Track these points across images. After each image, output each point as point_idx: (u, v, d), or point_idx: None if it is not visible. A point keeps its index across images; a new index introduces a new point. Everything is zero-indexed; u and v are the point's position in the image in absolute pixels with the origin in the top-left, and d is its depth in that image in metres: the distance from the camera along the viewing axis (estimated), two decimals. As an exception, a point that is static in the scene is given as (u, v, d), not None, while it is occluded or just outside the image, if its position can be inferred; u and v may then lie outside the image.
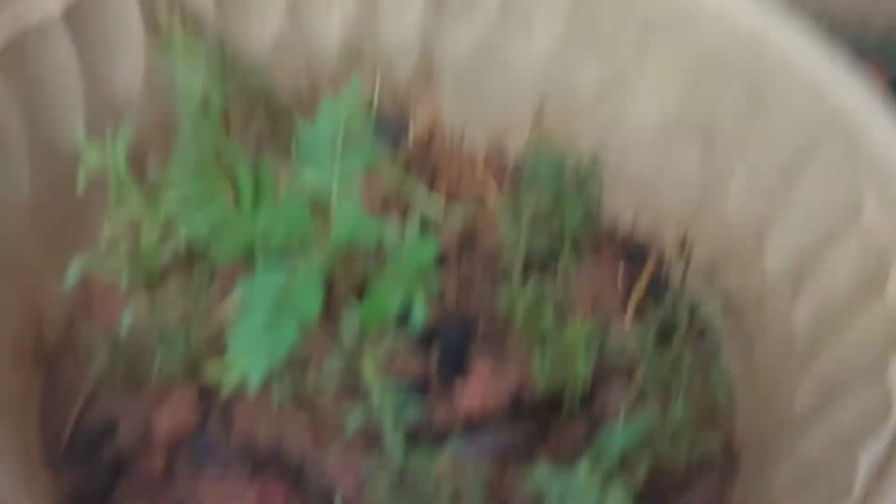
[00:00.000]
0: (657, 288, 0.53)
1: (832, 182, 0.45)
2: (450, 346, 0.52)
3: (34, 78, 0.45)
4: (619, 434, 0.21)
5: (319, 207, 0.37)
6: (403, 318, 0.52)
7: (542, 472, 0.25)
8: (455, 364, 0.51)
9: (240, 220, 0.35)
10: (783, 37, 0.49)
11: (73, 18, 0.46)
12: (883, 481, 0.30)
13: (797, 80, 0.47)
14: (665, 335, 0.48)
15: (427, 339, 0.52)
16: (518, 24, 0.58)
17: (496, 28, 0.59)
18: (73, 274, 0.37)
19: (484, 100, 0.63)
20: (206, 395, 0.47)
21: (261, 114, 0.57)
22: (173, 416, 0.45)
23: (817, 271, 0.45)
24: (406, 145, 0.60)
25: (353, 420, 0.33)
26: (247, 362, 0.32)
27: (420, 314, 0.34)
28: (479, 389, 0.51)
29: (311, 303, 0.32)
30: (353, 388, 0.49)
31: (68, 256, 0.50)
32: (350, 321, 0.36)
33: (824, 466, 0.36)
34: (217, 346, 0.47)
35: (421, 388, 0.50)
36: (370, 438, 0.47)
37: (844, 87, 0.46)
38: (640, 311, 0.52)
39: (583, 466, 0.22)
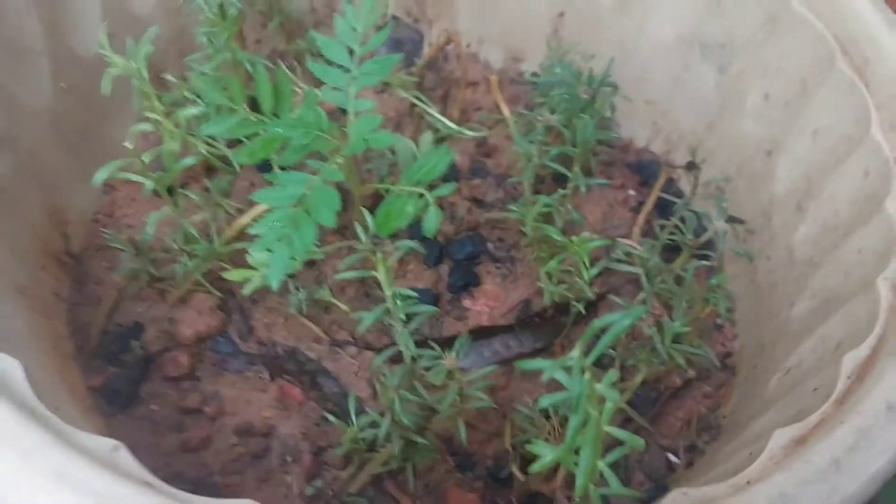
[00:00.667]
0: (667, 204, 0.53)
1: (842, 102, 0.45)
2: (460, 261, 0.54)
3: (53, -15, 0.45)
4: (611, 321, 0.23)
5: (336, 117, 0.37)
6: (416, 231, 0.53)
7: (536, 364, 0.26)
8: (465, 278, 0.52)
9: (259, 126, 0.36)
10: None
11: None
12: (863, 381, 0.32)
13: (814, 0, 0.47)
14: (672, 250, 0.49)
15: (438, 253, 0.54)
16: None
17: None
18: (99, 178, 0.38)
19: (500, 15, 0.62)
20: (227, 298, 0.49)
21: (275, 25, 0.57)
22: (197, 318, 0.47)
23: (823, 189, 0.46)
24: (421, 60, 0.60)
25: (367, 319, 0.35)
26: (268, 261, 0.33)
27: (433, 221, 0.35)
28: (488, 302, 0.52)
29: (330, 206, 0.34)
30: (366, 295, 0.52)
31: (90, 161, 0.51)
32: (365, 227, 0.37)
33: (812, 369, 0.37)
34: (237, 251, 0.48)
35: (432, 300, 0.52)
36: (383, 344, 0.49)
37: (860, 8, 0.45)
38: (648, 226, 0.54)
39: (576, 351, 0.23)
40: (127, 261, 0.46)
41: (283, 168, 0.38)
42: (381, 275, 0.34)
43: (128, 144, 0.37)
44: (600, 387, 0.26)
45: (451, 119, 0.54)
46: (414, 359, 0.36)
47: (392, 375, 0.36)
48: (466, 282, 0.52)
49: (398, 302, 0.35)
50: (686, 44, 0.55)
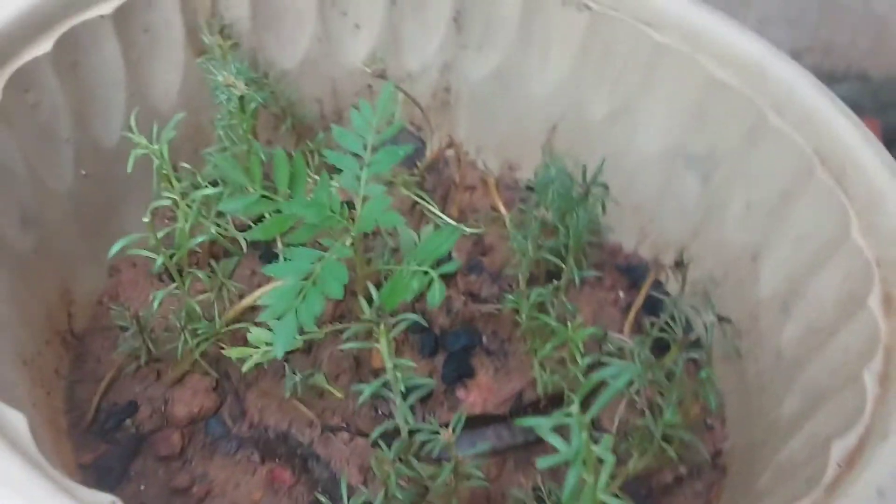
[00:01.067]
0: (655, 303, 0.55)
1: (823, 209, 0.48)
2: (455, 353, 0.55)
3: (84, 74, 0.49)
4: (607, 375, 0.24)
5: (347, 201, 0.40)
6: (415, 325, 0.55)
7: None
8: (459, 369, 0.53)
9: (275, 206, 0.38)
10: (786, 70, 0.52)
11: (121, 20, 0.50)
12: (852, 468, 0.32)
13: (796, 111, 0.50)
14: (661, 347, 0.50)
15: (433, 344, 0.55)
16: (534, 52, 0.62)
17: (513, 55, 0.63)
18: (114, 250, 0.40)
19: (498, 122, 0.66)
20: (223, 381, 0.50)
21: (287, 128, 0.61)
22: (192, 398, 0.48)
23: (807, 291, 0.48)
24: (423, 162, 0.63)
25: (366, 391, 0.36)
26: (275, 331, 0.34)
27: (437, 294, 0.37)
28: (481, 394, 0.53)
29: (339, 278, 0.35)
30: (361, 382, 0.52)
31: (101, 245, 0.53)
32: (369, 303, 0.38)
33: (802, 464, 0.38)
34: (237, 332, 0.49)
35: (427, 391, 0.53)
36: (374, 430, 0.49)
37: (838, 120, 0.49)
38: (637, 325, 0.55)
39: (574, 406, 0.24)
40: (128, 338, 0.46)
41: (297, 241, 0.40)
42: (382, 346, 0.36)
43: (145, 219, 0.39)
44: (597, 449, 0.27)
45: (450, 217, 0.57)
46: (411, 433, 0.37)
47: (388, 450, 0.37)
48: (461, 373, 0.53)
49: (398, 374, 0.35)
50: (672, 155, 0.59)
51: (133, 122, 0.40)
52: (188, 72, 0.55)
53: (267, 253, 0.55)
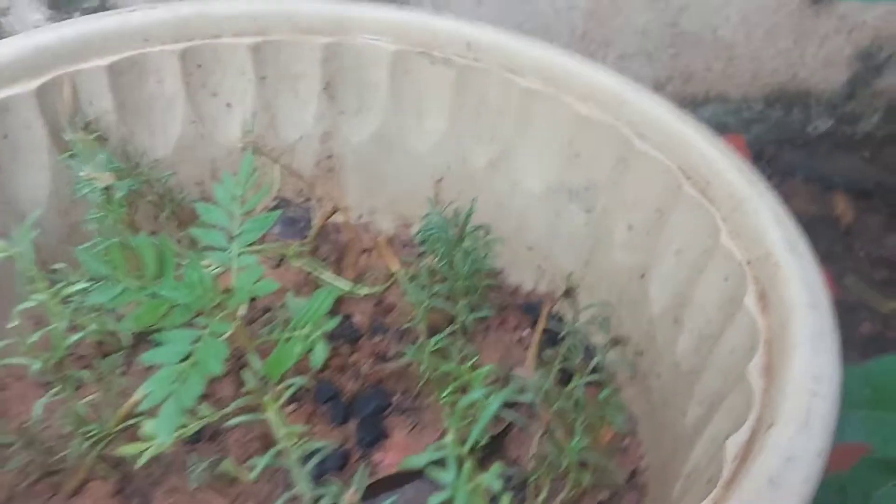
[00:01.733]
0: (555, 335, 0.56)
1: (694, 220, 0.50)
2: (367, 417, 0.54)
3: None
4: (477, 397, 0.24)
5: (220, 275, 0.39)
6: (320, 392, 0.54)
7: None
8: (373, 432, 0.52)
9: (144, 292, 0.37)
10: (643, 99, 0.55)
11: (-21, 132, 0.49)
12: (745, 461, 0.33)
13: (658, 134, 0.53)
14: (566, 377, 0.51)
15: (343, 412, 0.54)
16: (410, 111, 0.64)
17: (390, 117, 0.64)
18: (-20, 361, 0.38)
19: (386, 182, 0.67)
20: (125, 484, 0.47)
21: (168, 214, 0.60)
22: (92, 507, 0.45)
23: (693, 301, 0.49)
24: (312, 232, 0.63)
25: (260, 464, 0.35)
26: (157, 419, 0.33)
27: (320, 354, 0.36)
28: (398, 453, 0.52)
29: (217, 356, 0.34)
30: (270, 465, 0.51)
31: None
32: (253, 373, 0.37)
33: (704, 466, 0.39)
34: (132, 429, 0.47)
35: (342, 458, 0.52)
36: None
37: (695, 137, 0.52)
38: (541, 359, 0.56)
39: (448, 435, 0.24)
40: (16, 453, 0.44)
41: (171, 324, 0.39)
42: (271, 414, 0.35)
43: (10, 324, 0.38)
44: (486, 476, 0.27)
45: (346, 281, 0.57)
46: (316, 500, 0.36)
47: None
48: (375, 436, 0.52)
49: (289, 443, 0.35)
50: (554, 192, 0.61)
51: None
52: (56, 173, 0.54)
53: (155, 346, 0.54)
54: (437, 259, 0.48)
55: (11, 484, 0.46)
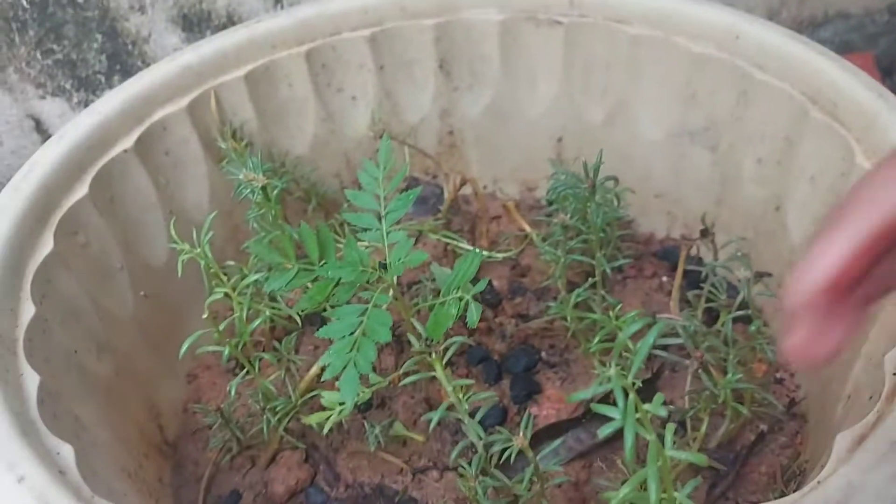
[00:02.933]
0: (696, 276, 0.57)
1: (826, 145, 0.49)
2: (518, 374, 0.57)
3: (121, 206, 0.53)
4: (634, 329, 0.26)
5: (376, 252, 0.43)
6: (472, 357, 0.57)
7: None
8: (526, 387, 0.55)
9: (312, 275, 0.41)
10: (758, 29, 0.54)
11: (143, 150, 0.54)
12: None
13: (777, 63, 0.52)
14: (712, 317, 0.52)
15: (496, 371, 0.57)
16: (522, 77, 0.65)
17: (502, 87, 0.66)
18: (185, 348, 0.43)
19: (506, 150, 0.69)
20: (311, 451, 0.52)
21: (314, 206, 0.64)
22: (287, 474, 0.50)
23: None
24: (444, 206, 0.66)
25: (434, 418, 0.38)
26: (340, 385, 0.37)
27: (475, 314, 0.39)
28: (553, 405, 0.55)
29: (384, 324, 0.38)
30: (438, 423, 0.54)
31: (172, 358, 0.57)
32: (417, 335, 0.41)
33: (864, 384, 0.39)
34: (313, 401, 0.52)
35: (500, 414, 0.55)
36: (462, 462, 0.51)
37: (817, 60, 0.51)
38: (685, 302, 0.56)
39: (610, 369, 0.26)
40: (216, 433, 0.50)
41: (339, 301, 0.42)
42: (438, 372, 0.38)
43: (204, 315, 0.43)
44: (650, 406, 0.29)
45: (481, 248, 0.60)
46: (486, 447, 0.39)
47: (469, 467, 0.39)
48: (529, 391, 0.55)
49: (460, 396, 0.38)
50: (676, 136, 0.61)
51: (174, 231, 0.43)
52: (213, 180, 0.59)
53: (323, 324, 0.58)
54: (568, 215, 0.50)
55: (215, 460, 0.52)
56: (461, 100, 0.67)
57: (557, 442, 0.46)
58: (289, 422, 0.50)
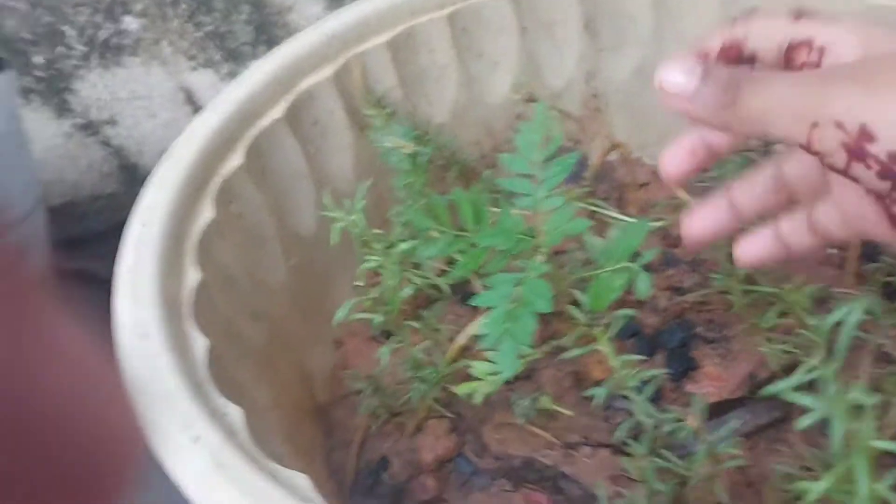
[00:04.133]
0: (872, 252, 0.52)
1: None
2: (673, 349, 0.54)
3: (273, 176, 0.54)
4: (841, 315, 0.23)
5: (530, 219, 0.41)
6: (624, 332, 0.55)
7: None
8: (683, 363, 0.52)
9: (466, 242, 0.40)
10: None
11: (293, 120, 0.55)
12: None
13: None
14: (891, 293, 0.47)
15: (650, 346, 0.54)
16: (672, 42, 0.62)
17: (652, 50, 0.62)
18: (339, 316, 0.43)
19: (654, 115, 0.66)
20: (458, 421, 0.52)
21: (455, 174, 0.63)
22: (435, 442, 0.50)
23: None
24: (588, 172, 0.63)
25: (599, 394, 0.36)
26: (498, 356, 0.36)
27: (645, 284, 0.37)
28: (712, 382, 0.52)
29: (543, 295, 0.36)
30: (585, 399, 0.53)
31: (320, 325, 0.58)
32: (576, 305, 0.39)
33: None
34: (459, 371, 0.52)
35: (655, 391, 0.52)
36: (615, 440, 0.50)
37: None
38: (860, 276, 0.52)
39: (817, 355, 0.24)
40: (367, 399, 0.50)
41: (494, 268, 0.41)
42: (603, 345, 0.36)
43: (359, 283, 0.43)
44: (853, 394, 0.26)
45: (629, 217, 0.57)
46: (655, 426, 0.37)
47: (638, 445, 0.37)
48: (684, 368, 0.52)
49: (627, 371, 0.36)
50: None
51: (328, 200, 0.43)
52: (357, 149, 0.60)
53: (465, 295, 0.58)
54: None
55: (365, 426, 0.53)
56: (607, 62, 0.64)
57: (729, 423, 0.44)
58: (436, 390, 0.49)
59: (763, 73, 0.31)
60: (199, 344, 0.39)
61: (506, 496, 0.48)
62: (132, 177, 0.80)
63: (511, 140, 0.69)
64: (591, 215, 0.61)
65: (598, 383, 0.53)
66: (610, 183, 0.65)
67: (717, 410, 0.49)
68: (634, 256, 0.41)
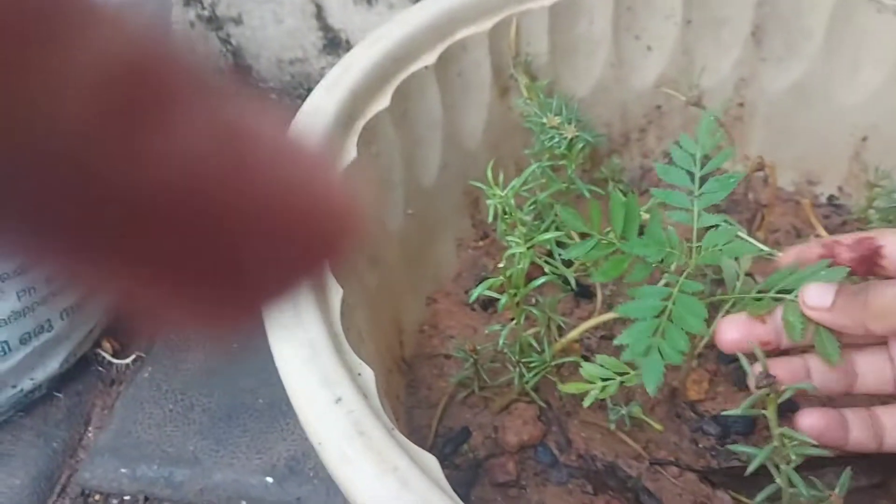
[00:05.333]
0: None
1: None
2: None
3: (411, 122, 0.53)
4: None
5: (681, 234, 0.40)
6: (726, 356, 0.53)
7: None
8: (786, 404, 0.51)
9: (612, 248, 0.39)
10: None
11: (441, 68, 0.53)
12: None
13: None
14: None
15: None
16: (843, 61, 0.58)
17: (818, 65, 0.59)
18: (476, 293, 0.42)
19: (797, 135, 0.63)
20: (545, 410, 0.51)
21: (585, 149, 0.61)
22: (521, 427, 0.50)
23: None
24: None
25: (757, 459, 0.35)
26: (644, 369, 0.35)
27: (833, 351, 0.36)
28: (818, 418, 0.50)
29: (696, 314, 0.35)
30: (677, 416, 0.52)
31: (420, 277, 0.57)
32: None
33: None
34: (563, 365, 0.51)
35: (749, 424, 0.51)
36: (702, 466, 0.49)
37: None
38: None
39: None
40: (465, 368, 0.49)
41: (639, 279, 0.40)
42: (770, 414, 0.35)
43: (501, 265, 0.42)
44: None
45: (756, 241, 0.55)
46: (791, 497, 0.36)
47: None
48: (787, 406, 0.51)
49: (785, 441, 0.35)
50: None
51: (489, 172, 0.42)
52: (492, 110, 0.58)
53: (582, 290, 0.56)
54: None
55: (451, 393, 0.52)
56: (766, 72, 0.61)
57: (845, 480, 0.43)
58: (538, 379, 0.49)
59: (886, 280, 0.38)
60: (335, 292, 0.38)
61: (584, 498, 0.48)
62: (243, 79, 0.78)
63: (643, 129, 0.66)
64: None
65: (692, 405, 0.52)
66: (738, 199, 0.63)
67: (816, 463, 0.47)
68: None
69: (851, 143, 0.61)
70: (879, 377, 0.41)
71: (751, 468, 0.35)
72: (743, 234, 0.54)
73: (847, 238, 0.41)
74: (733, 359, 0.53)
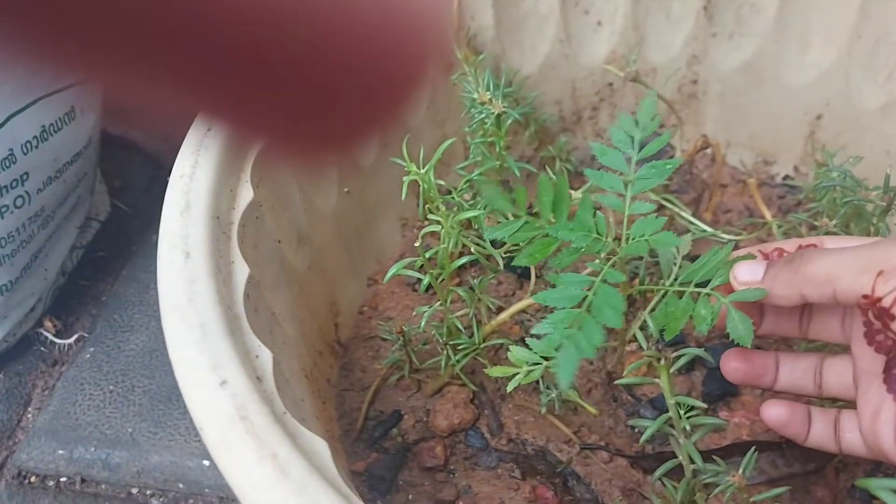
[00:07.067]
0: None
1: None
2: (715, 370, 0.51)
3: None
4: None
5: (610, 219, 0.38)
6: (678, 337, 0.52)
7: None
8: (722, 387, 0.50)
9: (539, 231, 0.37)
10: None
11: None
12: None
13: None
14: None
15: (692, 360, 0.52)
16: (794, 38, 0.57)
17: (770, 43, 0.58)
18: (391, 273, 0.41)
19: (750, 114, 0.62)
20: (479, 393, 0.50)
21: (530, 133, 0.60)
22: (452, 410, 0.49)
23: None
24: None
25: (648, 430, 0.34)
26: (558, 360, 0.33)
27: (742, 326, 0.35)
28: (748, 414, 0.50)
29: (615, 307, 0.34)
30: (613, 399, 0.51)
31: (358, 258, 0.56)
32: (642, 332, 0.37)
33: None
34: (492, 347, 0.50)
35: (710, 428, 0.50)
36: (634, 451, 0.48)
37: None
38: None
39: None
40: (394, 351, 0.48)
41: (561, 266, 0.39)
42: (663, 382, 0.34)
43: (417, 244, 0.40)
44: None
45: (702, 222, 0.54)
46: (695, 473, 0.35)
47: (676, 490, 0.35)
48: (724, 391, 0.50)
49: (681, 413, 0.34)
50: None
51: (405, 150, 0.40)
52: (435, 87, 0.56)
53: (525, 271, 0.55)
54: (833, 222, 0.43)
55: (384, 375, 0.51)
56: (717, 48, 0.60)
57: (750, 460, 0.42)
58: (467, 361, 0.48)
59: (821, 248, 0.37)
60: (241, 271, 0.37)
61: (511, 482, 0.47)
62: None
63: (595, 106, 0.65)
64: (660, 209, 0.57)
65: (629, 388, 0.51)
66: (689, 179, 0.61)
67: (747, 449, 0.46)
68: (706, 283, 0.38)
69: (805, 122, 0.60)
70: (843, 382, 0.40)
71: (643, 438, 0.34)
72: (687, 216, 0.53)
73: (789, 244, 0.39)
74: (673, 343, 0.52)
